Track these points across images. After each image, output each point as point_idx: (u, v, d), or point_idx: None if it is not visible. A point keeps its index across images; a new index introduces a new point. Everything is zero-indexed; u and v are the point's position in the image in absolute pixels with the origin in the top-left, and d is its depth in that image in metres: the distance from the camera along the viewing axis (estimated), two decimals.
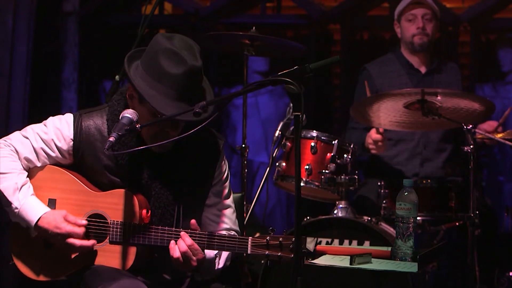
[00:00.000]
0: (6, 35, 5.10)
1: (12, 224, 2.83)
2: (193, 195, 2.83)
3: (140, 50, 2.78)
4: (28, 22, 5.18)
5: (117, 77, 3.57)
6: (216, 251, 2.80)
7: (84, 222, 2.73)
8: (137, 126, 2.63)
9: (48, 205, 2.78)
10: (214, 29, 5.89)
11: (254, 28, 3.93)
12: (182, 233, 2.66)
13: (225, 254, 2.86)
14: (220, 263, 2.85)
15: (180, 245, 2.65)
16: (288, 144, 4.00)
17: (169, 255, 2.66)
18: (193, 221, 2.69)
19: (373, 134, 4.22)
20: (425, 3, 4.54)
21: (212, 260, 2.80)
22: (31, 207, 2.73)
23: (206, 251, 2.71)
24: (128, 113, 2.67)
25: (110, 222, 2.73)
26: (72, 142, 2.79)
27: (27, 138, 2.81)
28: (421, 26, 4.52)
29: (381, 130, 4.17)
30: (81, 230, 2.72)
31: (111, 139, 2.59)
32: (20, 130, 2.86)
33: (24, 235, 2.81)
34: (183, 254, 2.64)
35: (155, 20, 5.35)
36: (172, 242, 2.67)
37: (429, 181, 4.06)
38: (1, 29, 5.09)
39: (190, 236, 2.66)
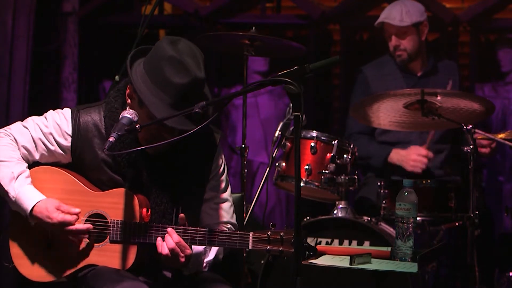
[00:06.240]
0: (5, 35, 5.11)
1: (11, 226, 2.83)
2: (192, 191, 2.83)
3: (144, 49, 2.77)
4: (28, 22, 5.19)
5: (117, 77, 3.57)
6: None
7: (78, 210, 2.72)
8: (137, 126, 2.63)
9: None
10: (214, 29, 5.88)
11: (254, 28, 3.92)
12: (169, 229, 2.65)
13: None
14: (210, 255, 2.83)
15: (168, 242, 2.64)
16: (288, 144, 4.00)
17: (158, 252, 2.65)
18: (181, 215, 2.68)
19: (423, 151, 4.24)
20: (393, 22, 4.44)
21: (199, 254, 2.79)
22: (25, 196, 2.72)
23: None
24: (128, 114, 2.67)
25: (111, 222, 2.73)
26: (70, 138, 2.79)
27: (26, 128, 2.82)
28: (394, 45, 4.49)
29: (428, 153, 4.22)
30: (73, 218, 2.70)
31: (111, 139, 2.59)
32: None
33: (23, 236, 2.80)
34: (171, 250, 2.63)
35: (155, 20, 5.34)
36: (159, 239, 2.66)
37: (428, 181, 4.05)
38: (1, 29, 5.10)
39: (191, 232, 2.65)
